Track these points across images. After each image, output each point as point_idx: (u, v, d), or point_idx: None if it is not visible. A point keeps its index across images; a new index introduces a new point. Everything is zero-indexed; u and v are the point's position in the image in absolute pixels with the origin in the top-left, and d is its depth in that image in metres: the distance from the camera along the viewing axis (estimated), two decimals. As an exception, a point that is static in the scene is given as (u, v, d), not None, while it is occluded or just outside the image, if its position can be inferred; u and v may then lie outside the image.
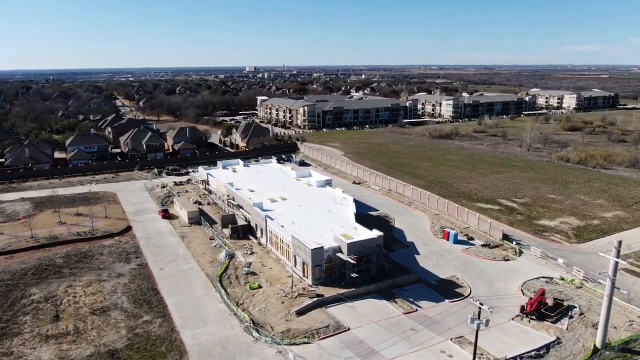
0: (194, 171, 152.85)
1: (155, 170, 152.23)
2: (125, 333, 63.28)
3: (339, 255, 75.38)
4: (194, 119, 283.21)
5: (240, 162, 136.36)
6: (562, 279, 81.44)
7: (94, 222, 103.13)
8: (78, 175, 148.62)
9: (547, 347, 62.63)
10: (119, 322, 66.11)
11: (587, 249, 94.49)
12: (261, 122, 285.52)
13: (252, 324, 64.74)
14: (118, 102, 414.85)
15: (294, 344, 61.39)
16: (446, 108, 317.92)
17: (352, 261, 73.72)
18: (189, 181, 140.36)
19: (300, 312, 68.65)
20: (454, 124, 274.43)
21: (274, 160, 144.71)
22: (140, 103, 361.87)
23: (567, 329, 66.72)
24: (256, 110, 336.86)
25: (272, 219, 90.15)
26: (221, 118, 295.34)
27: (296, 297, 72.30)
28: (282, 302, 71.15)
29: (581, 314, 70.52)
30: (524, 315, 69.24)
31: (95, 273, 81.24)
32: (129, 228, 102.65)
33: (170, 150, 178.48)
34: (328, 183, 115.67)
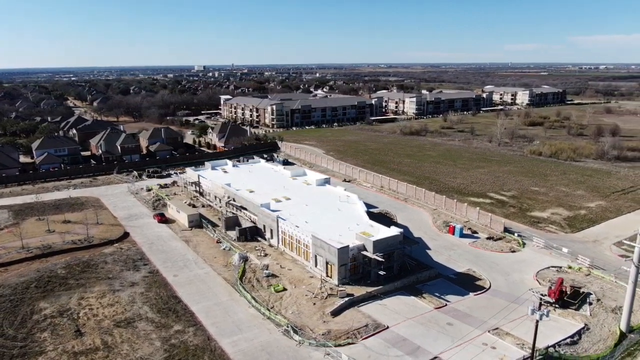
0: (175, 173, 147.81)
1: (135, 172, 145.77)
2: (160, 345, 60.15)
3: (365, 253, 74.97)
4: (158, 119, 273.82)
5: (229, 162, 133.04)
6: (570, 267, 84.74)
7: (86, 229, 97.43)
8: (52, 180, 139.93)
9: (579, 333, 64.97)
10: (149, 333, 62.76)
11: (582, 238, 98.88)
12: (226, 121, 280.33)
13: (292, 328, 63.19)
14: (69, 103, 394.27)
15: (339, 345, 60.51)
16: (409, 105, 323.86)
17: (379, 259, 73.49)
18: (174, 183, 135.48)
19: (335, 313, 67.79)
20: (421, 121, 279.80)
21: (262, 160, 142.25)
22: (95, 104, 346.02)
23: (590, 315, 69.45)
24: (219, 109, 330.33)
25: (283, 219, 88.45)
26: (185, 118, 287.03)
27: (326, 297, 71.31)
28: (314, 304, 69.93)
29: (598, 300, 73.59)
30: (549, 304, 71.37)
31: (106, 283, 76.80)
32: (126, 234, 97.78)
33: (145, 151, 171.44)
34: (327, 181, 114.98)
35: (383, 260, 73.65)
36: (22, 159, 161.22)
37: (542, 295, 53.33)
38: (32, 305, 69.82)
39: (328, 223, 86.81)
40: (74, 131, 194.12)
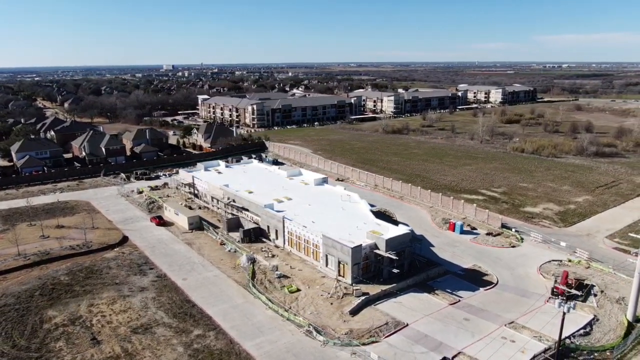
0: (164, 175, 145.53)
1: (123, 175, 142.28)
2: (183, 350, 59.10)
3: (378, 252, 75.46)
4: (135, 120, 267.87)
5: (222, 163, 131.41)
6: (570, 260, 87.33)
7: (82, 234, 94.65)
8: (36, 183, 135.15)
9: (590, 324, 67.09)
10: (169, 338, 61.57)
11: (576, 232, 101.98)
12: (205, 121, 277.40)
13: (314, 329, 63.09)
14: (38, 104, 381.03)
15: (364, 344, 60.79)
16: (387, 104, 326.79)
17: (393, 257, 74.08)
18: (165, 185, 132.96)
19: (354, 312, 68.05)
20: (401, 120, 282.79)
21: (255, 160, 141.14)
22: (66, 104, 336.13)
23: (597, 306, 71.80)
24: (197, 109, 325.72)
25: (289, 219, 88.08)
26: (162, 118, 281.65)
27: (342, 297, 71.45)
28: (331, 304, 70.00)
29: (601, 291, 76.12)
30: (557, 297, 73.40)
31: (114, 289, 74.88)
32: (125, 238, 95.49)
33: (129, 153, 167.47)
34: (325, 181, 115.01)
35: (397, 258, 74.26)
36: (0, 162, 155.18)
37: (569, 291, 54.72)
38: (41, 314, 67.52)
39: (334, 222, 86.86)
40: (52, 133, 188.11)
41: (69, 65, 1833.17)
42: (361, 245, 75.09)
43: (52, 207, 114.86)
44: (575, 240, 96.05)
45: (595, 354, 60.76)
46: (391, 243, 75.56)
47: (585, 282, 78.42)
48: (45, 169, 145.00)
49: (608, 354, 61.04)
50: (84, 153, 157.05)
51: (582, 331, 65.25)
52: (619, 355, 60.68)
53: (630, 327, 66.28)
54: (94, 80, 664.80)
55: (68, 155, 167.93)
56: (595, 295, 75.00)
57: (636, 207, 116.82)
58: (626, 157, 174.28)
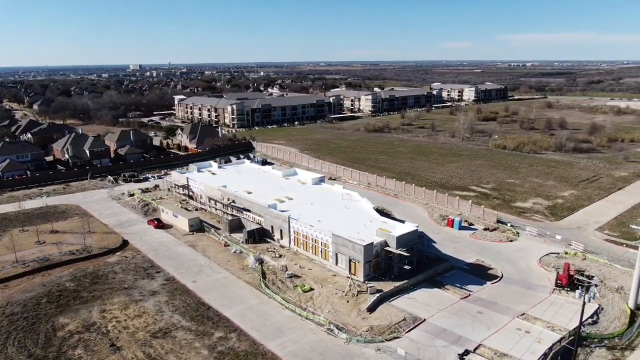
0: (153, 176, 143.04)
1: (110, 177, 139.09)
2: (208, 353, 58.61)
3: (389, 249, 76.46)
4: (111, 121, 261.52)
5: (214, 163, 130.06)
6: (567, 253, 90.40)
7: (79, 239, 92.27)
8: (20, 188, 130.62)
9: (596, 313, 69.80)
10: (191, 342, 60.92)
11: (567, 225, 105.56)
12: (183, 122, 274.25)
13: (336, 327, 63.56)
14: (5, 106, 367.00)
15: (386, 340, 61.61)
16: (365, 103, 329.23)
17: (405, 254, 75.24)
18: (156, 187, 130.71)
19: (370, 309, 68.82)
20: (381, 118, 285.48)
21: (247, 160, 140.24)
22: (35, 106, 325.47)
23: (599, 296, 74.68)
24: (173, 110, 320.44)
25: (295, 219, 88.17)
26: (139, 119, 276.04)
27: (357, 294, 72.14)
28: (347, 302, 70.60)
29: (601, 281, 79.20)
30: (561, 289, 76.10)
31: (124, 293, 73.45)
32: (126, 242, 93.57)
33: (113, 155, 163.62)
34: (322, 180, 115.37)
35: (409, 254, 75.45)
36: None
37: (589, 282, 56.78)
38: (52, 322, 65.69)
39: (340, 221, 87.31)
40: (29, 136, 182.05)
41: (30, 66, 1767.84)
42: (372, 242, 75.94)
43: (42, 211, 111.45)
44: (568, 233, 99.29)
45: (606, 341, 63.34)
46: (401, 240, 76.71)
47: (585, 273, 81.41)
48: (29, 172, 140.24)
49: (617, 340, 63.72)
50: (67, 156, 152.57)
51: (590, 320, 67.79)
52: (627, 342, 63.46)
53: (633, 314, 69.38)
54: (61, 80, 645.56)
55: (49, 158, 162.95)
56: (596, 285, 77.93)
57: (619, 200, 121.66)
58: (602, 152, 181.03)
